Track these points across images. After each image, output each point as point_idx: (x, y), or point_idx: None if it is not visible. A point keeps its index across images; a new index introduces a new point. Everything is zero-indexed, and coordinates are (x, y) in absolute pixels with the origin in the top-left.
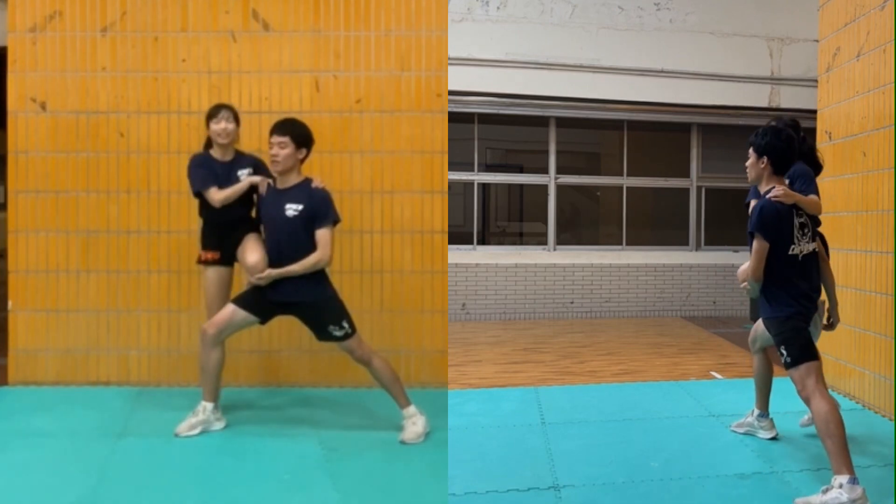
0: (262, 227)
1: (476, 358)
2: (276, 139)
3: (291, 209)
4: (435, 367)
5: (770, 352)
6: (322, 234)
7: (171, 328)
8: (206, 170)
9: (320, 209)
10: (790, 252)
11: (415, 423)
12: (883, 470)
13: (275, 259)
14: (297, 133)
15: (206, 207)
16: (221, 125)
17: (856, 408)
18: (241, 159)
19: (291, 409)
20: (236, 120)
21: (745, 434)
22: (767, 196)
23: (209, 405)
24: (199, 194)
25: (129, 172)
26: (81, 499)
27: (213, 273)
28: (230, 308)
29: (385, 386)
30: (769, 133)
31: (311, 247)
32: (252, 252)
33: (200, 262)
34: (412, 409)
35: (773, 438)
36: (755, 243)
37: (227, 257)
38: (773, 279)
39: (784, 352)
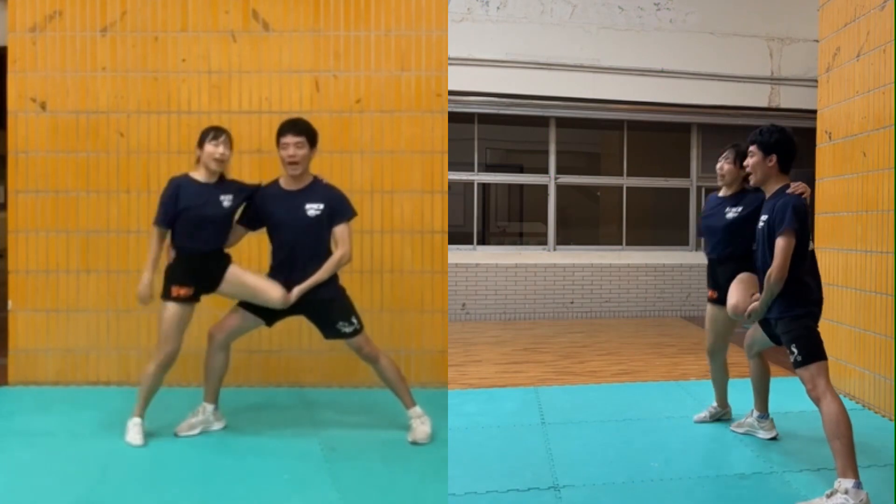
0: (270, 230)
1: (476, 358)
2: (293, 139)
3: (313, 209)
4: (435, 367)
5: (766, 354)
6: (342, 231)
7: None
8: (173, 204)
9: (339, 206)
10: (809, 248)
11: (423, 423)
12: (883, 470)
13: (287, 262)
14: (311, 132)
15: (185, 236)
16: (220, 149)
17: (856, 408)
18: (226, 184)
19: (291, 409)
20: (231, 146)
21: (744, 434)
22: (788, 192)
23: (209, 406)
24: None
25: (129, 172)
26: (81, 499)
27: (179, 310)
28: (239, 312)
29: (391, 385)
30: (776, 131)
31: (327, 246)
32: (272, 286)
33: (170, 297)
34: (418, 409)
35: (773, 439)
36: (784, 241)
37: (198, 293)
38: (789, 277)
39: (795, 350)
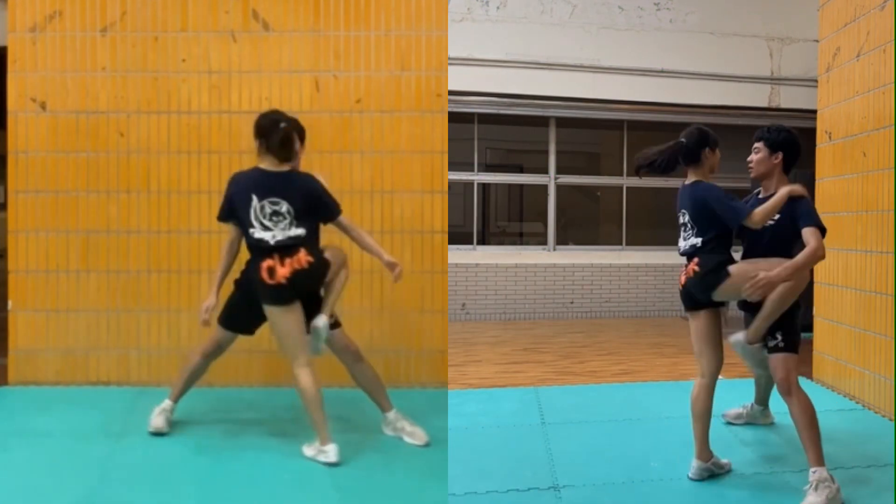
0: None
1: (476, 358)
2: None
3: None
4: (435, 367)
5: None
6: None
7: (171, 328)
8: None
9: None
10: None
11: (412, 424)
12: (883, 470)
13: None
14: (298, 126)
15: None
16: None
17: (856, 408)
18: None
19: (291, 409)
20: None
21: (744, 424)
22: (797, 193)
23: (172, 404)
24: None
25: (129, 172)
26: (81, 499)
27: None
28: (221, 331)
29: (371, 387)
30: (783, 130)
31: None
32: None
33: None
34: (395, 411)
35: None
36: (817, 238)
37: None
38: None
39: (779, 336)
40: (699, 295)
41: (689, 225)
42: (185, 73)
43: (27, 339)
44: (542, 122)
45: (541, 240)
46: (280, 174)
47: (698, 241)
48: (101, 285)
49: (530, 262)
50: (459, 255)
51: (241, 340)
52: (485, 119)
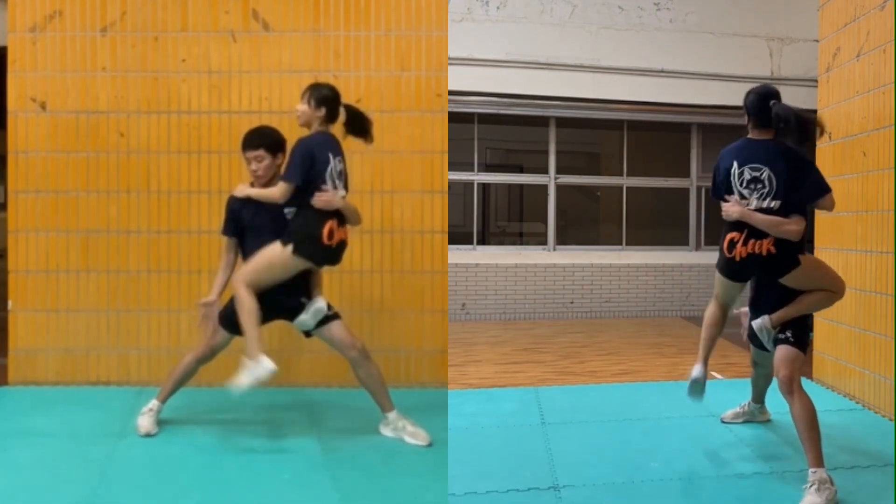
0: (248, 237)
1: (476, 358)
2: (252, 154)
3: (289, 211)
4: (435, 367)
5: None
6: None
7: (171, 328)
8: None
9: None
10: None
11: (413, 424)
12: (883, 470)
13: None
14: (268, 142)
15: None
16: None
17: (856, 408)
18: None
19: (291, 409)
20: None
21: (743, 422)
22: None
23: (160, 405)
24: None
25: (129, 172)
26: (81, 499)
27: None
28: (220, 335)
29: (374, 387)
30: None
31: None
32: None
33: None
34: (396, 412)
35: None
36: (798, 222)
37: None
38: None
39: (788, 332)
40: (766, 276)
41: (766, 183)
42: (185, 73)
43: (27, 339)
44: (542, 122)
45: (541, 240)
46: (336, 138)
47: (776, 204)
48: (101, 285)
49: (530, 262)
50: (459, 255)
51: (241, 340)
52: (485, 119)
